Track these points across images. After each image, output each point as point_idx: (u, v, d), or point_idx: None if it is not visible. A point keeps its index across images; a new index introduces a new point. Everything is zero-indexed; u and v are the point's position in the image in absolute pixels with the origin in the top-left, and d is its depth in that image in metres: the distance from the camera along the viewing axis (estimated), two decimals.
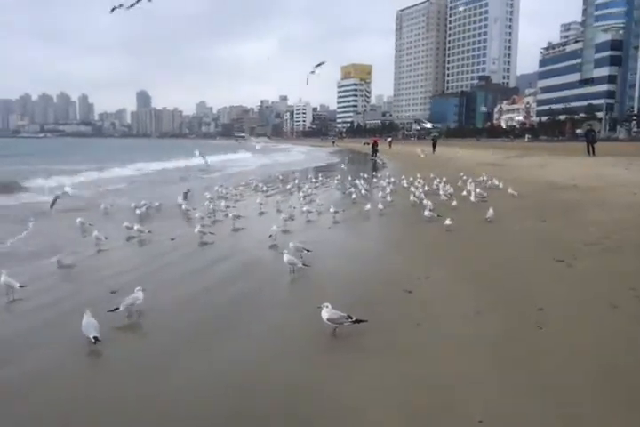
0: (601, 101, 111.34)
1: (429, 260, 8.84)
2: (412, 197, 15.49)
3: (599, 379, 4.37)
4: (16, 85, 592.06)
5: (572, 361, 4.74)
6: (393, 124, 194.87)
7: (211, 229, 11.21)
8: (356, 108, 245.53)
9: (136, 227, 11.02)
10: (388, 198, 15.87)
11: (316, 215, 13.63)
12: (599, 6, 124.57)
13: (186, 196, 16.71)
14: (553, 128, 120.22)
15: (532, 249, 9.30)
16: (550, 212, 13.06)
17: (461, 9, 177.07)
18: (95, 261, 9.20)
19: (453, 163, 33.77)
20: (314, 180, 23.15)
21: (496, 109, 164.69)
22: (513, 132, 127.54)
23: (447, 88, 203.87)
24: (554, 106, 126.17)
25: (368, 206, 13.93)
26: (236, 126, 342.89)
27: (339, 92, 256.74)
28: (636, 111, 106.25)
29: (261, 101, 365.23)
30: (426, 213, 12.60)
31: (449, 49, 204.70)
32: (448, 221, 11.24)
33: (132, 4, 17.89)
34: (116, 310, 5.93)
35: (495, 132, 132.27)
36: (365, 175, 24.10)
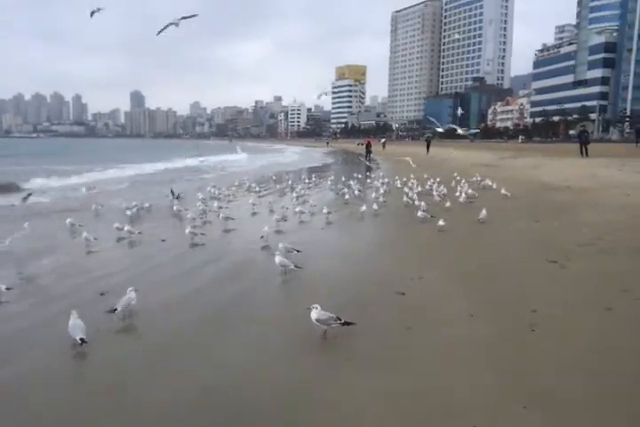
0: (594, 103, 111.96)
1: (422, 260, 8.81)
2: (405, 198, 15.46)
3: (593, 381, 4.33)
4: (15, 86, 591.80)
5: (566, 363, 4.69)
6: (387, 125, 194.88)
7: (202, 230, 11.11)
8: (350, 109, 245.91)
9: (126, 228, 10.89)
10: (382, 199, 15.83)
11: (308, 216, 13.56)
12: (593, 9, 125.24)
13: (173, 194, 16.55)
14: (546, 129, 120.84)
15: (526, 250, 9.29)
16: (543, 213, 13.06)
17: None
18: (84, 263, 9.07)
19: (447, 163, 33.80)
20: (307, 180, 22.99)
21: (490, 111, 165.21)
22: (507, 134, 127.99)
23: (441, 89, 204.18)
24: (547, 107, 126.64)
25: (363, 208, 13.86)
26: (230, 127, 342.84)
27: (333, 92, 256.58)
28: (628, 113, 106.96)
29: (256, 102, 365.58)
30: (419, 213, 12.57)
31: (444, 50, 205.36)
32: (441, 222, 11.22)
33: (160, 31, 18.89)
34: (114, 311, 5.85)
35: (489, 133, 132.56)
36: (359, 176, 24.04)
